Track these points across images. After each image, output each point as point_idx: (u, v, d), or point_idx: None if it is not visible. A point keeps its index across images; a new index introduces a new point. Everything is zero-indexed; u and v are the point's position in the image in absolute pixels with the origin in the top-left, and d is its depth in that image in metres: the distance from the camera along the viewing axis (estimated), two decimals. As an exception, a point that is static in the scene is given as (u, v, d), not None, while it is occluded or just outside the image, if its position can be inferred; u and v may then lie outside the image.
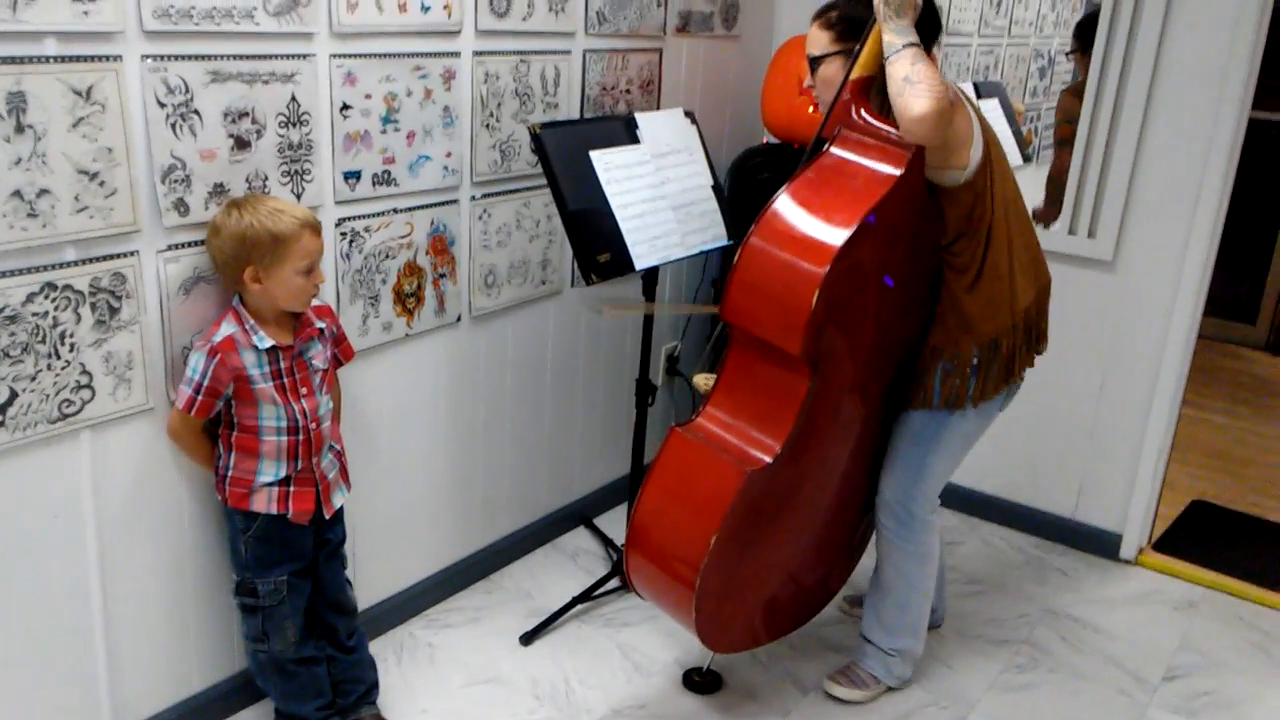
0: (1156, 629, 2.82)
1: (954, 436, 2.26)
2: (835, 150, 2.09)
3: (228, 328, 1.91)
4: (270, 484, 1.99)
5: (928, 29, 2.06)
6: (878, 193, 1.98)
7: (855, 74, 2.07)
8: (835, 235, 1.95)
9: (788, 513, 2.22)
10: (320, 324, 2.05)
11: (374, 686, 2.28)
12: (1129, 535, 3.12)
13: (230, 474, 1.98)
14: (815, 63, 2.17)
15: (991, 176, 2.10)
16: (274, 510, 2.00)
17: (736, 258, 2.07)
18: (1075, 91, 2.96)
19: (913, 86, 1.91)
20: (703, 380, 2.35)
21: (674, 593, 2.16)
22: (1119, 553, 3.14)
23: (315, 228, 1.93)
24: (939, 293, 2.18)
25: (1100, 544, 3.16)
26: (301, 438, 1.99)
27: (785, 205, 2.05)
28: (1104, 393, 3.07)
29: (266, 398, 1.94)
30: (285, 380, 1.96)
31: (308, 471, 2.03)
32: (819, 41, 2.14)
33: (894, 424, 2.30)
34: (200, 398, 1.89)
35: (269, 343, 1.93)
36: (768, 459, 2.05)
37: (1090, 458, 3.13)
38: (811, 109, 3.00)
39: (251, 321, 1.92)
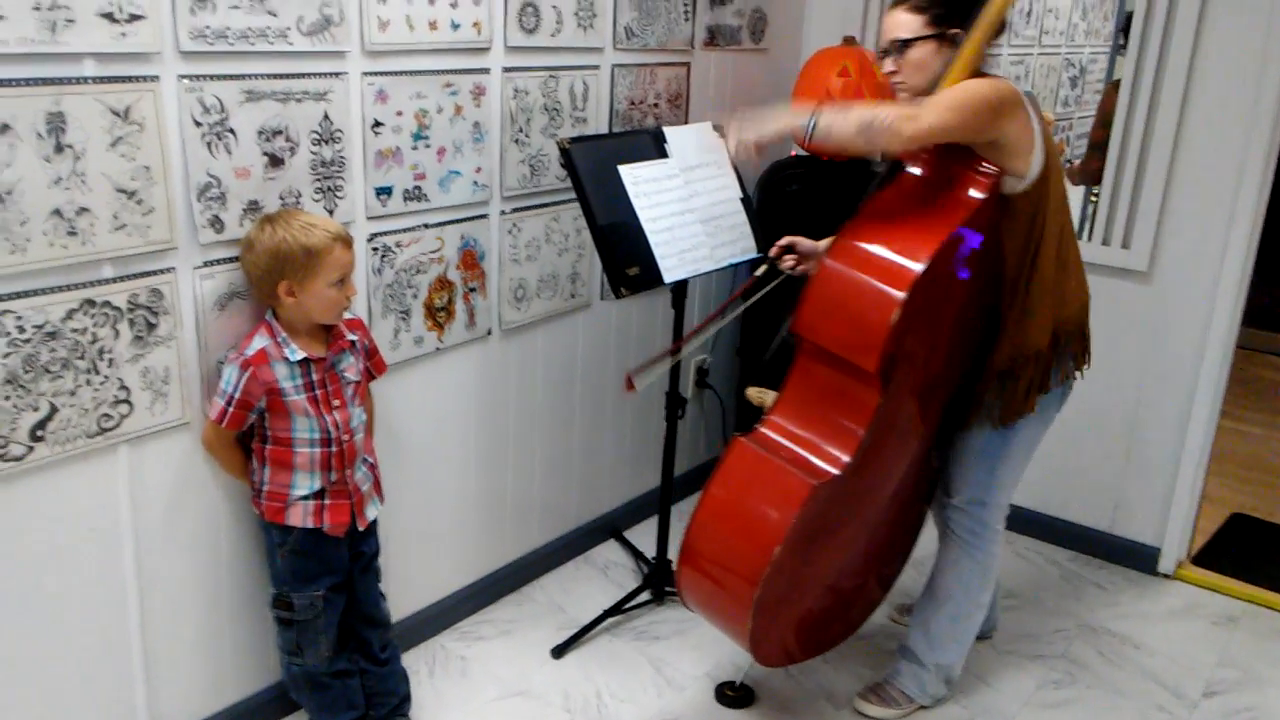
0: (1196, 644, 2.78)
1: (1016, 446, 2.26)
2: (913, 170, 2.12)
3: (260, 341, 1.94)
4: (305, 497, 2.00)
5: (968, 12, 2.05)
6: (960, 216, 2.01)
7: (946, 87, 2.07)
8: (918, 256, 1.97)
9: (846, 525, 2.21)
10: (352, 336, 2.07)
11: (406, 699, 2.29)
12: (1167, 549, 3.07)
13: (266, 488, 2.00)
14: (904, 46, 2.09)
15: (1048, 188, 2.08)
16: (309, 524, 2.01)
17: (815, 273, 2.09)
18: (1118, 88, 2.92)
19: (871, 128, 1.95)
20: (756, 393, 2.35)
21: (731, 606, 2.13)
22: (1157, 567, 3.09)
23: (346, 241, 1.95)
24: (999, 311, 2.17)
25: (1138, 558, 3.11)
26: (334, 449, 2.01)
27: (866, 224, 2.08)
28: (1140, 405, 3.03)
29: (299, 410, 1.96)
30: (317, 392, 1.98)
31: (341, 484, 2.04)
32: (910, 25, 2.08)
33: (956, 440, 2.30)
34: (232, 410, 1.91)
35: (300, 355, 1.95)
36: (836, 471, 2.04)
37: (1127, 470, 3.09)
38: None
39: (284, 334, 1.94)
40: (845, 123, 1.99)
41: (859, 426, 2.05)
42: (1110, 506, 3.14)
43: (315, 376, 1.98)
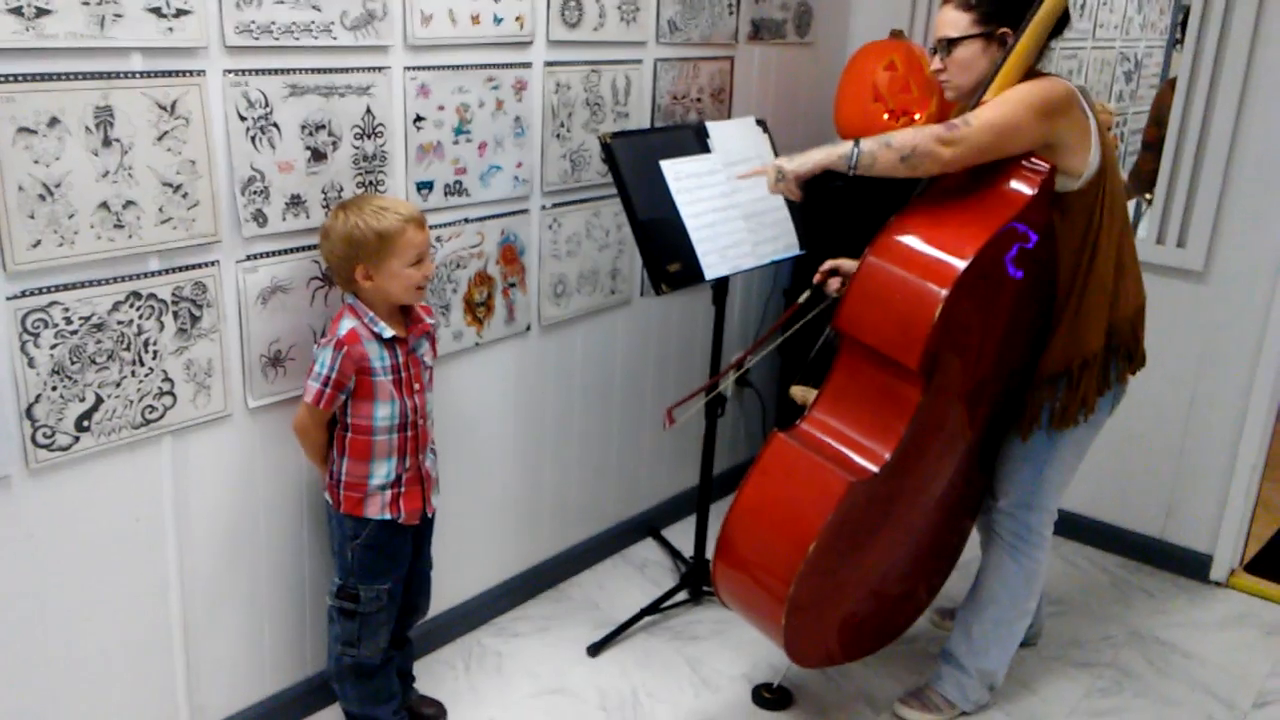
0: (1248, 654, 2.70)
1: (1065, 451, 2.22)
2: None
3: (348, 322, 1.96)
4: (383, 486, 2.02)
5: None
6: (1008, 213, 1.98)
7: (989, 96, 2.04)
8: (963, 252, 1.94)
9: (885, 527, 2.18)
10: (431, 321, 2.10)
11: (412, 677, 2.32)
12: (1220, 556, 3.00)
13: (345, 479, 2.02)
14: (951, 45, 2.09)
15: (1106, 186, 2.04)
16: (387, 515, 2.03)
17: (859, 267, 2.06)
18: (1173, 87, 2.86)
19: (915, 156, 1.96)
20: (800, 392, 2.32)
21: (765, 602, 2.11)
22: (1209, 574, 3.02)
23: (419, 221, 1.96)
24: (1051, 315, 2.13)
25: (1189, 565, 3.04)
26: (410, 434, 2.03)
27: (913, 217, 2.06)
28: (1194, 408, 2.95)
29: (384, 392, 1.98)
30: (402, 374, 2.01)
31: (415, 470, 2.07)
32: (958, 23, 2.07)
33: (1003, 444, 2.26)
34: (328, 390, 1.93)
35: (390, 333, 1.97)
36: (875, 469, 2.02)
37: (1179, 475, 3.02)
38: (886, 115, 2.96)
39: (370, 314, 1.96)
40: (888, 153, 1.99)
41: (900, 424, 2.02)
42: (1162, 512, 3.07)
43: (401, 358, 2.00)
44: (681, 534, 3.10)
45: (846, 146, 2.04)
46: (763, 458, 2.13)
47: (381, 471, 2.02)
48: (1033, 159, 2.01)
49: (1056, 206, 2.04)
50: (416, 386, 2.04)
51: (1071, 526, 3.20)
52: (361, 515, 2.03)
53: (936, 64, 2.13)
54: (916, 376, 1.98)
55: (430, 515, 2.14)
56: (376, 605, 2.07)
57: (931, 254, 1.99)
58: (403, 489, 2.05)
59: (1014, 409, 2.21)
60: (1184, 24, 2.81)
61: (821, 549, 2.01)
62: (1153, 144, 2.91)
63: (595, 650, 2.59)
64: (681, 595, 2.79)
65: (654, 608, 2.72)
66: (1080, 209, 2.04)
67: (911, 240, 2.03)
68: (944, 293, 1.92)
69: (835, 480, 2.01)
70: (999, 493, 2.29)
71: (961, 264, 1.94)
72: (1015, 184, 2.03)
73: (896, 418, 2.03)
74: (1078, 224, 2.05)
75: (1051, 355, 2.13)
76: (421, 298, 2.03)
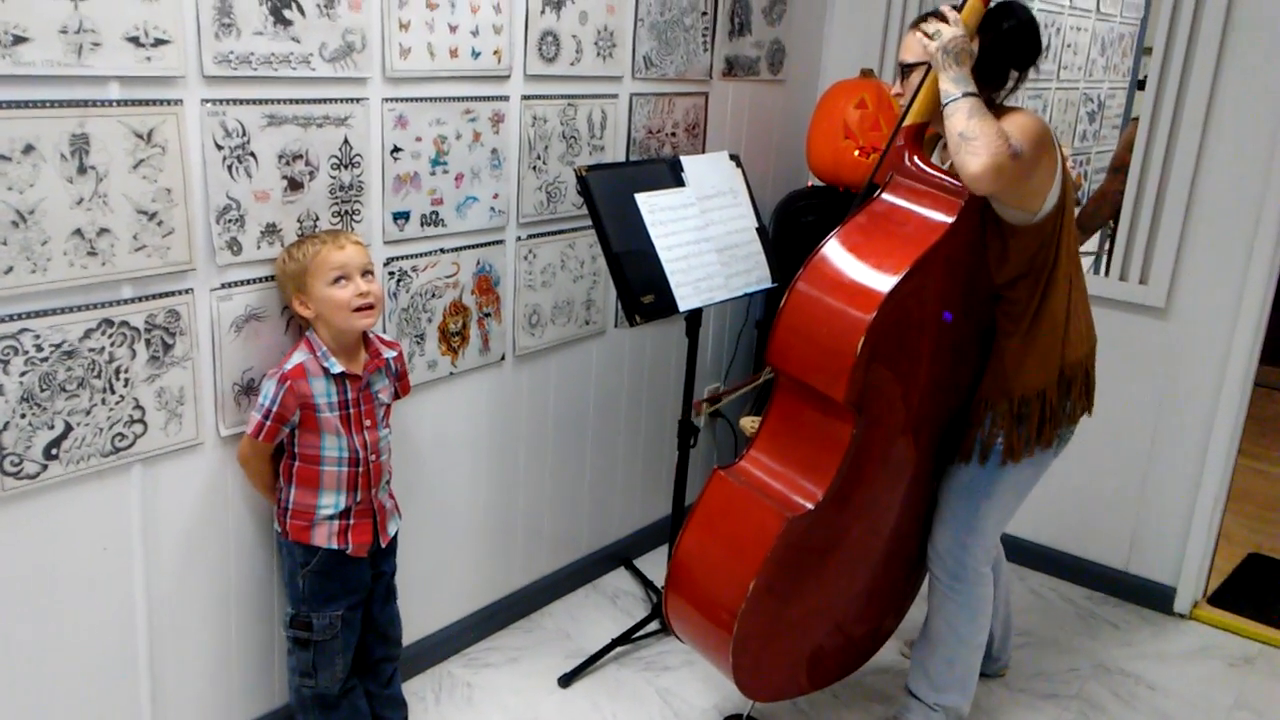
0: (1212, 686, 2.74)
1: (1005, 487, 2.21)
2: (887, 196, 2.09)
3: (299, 356, 1.96)
4: (331, 517, 2.01)
5: (1026, 51, 2.05)
6: (929, 240, 1.97)
7: (909, 120, 2.07)
8: (883, 282, 1.94)
9: (833, 560, 2.19)
10: (389, 354, 2.09)
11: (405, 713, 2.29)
12: (1183, 588, 3.04)
13: (291, 507, 2.01)
14: (907, 70, 2.12)
15: (1062, 225, 2.06)
16: (334, 544, 2.02)
17: (784, 301, 2.06)
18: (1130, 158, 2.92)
19: (969, 143, 1.87)
20: (749, 423, 2.34)
21: (712, 637, 2.13)
22: (1173, 606, 3.06)
23: (339, 242, 1.96)
24: (991, 342, 2.15)
25: (1153, 597, 3.08)
26: (361, 469, 2.02)
27: (834, 250, 2.05)
28: (1156, 442, 3.00)
29: (330, 428, 1.97)
30: (350, 411, 2.00)
31: (366, 503, 2.06)
32: (914, 49, 2.09)
33: (944, 476, 2.26)
34: (269, 423, 1.93)
35: (339, 368, 1.97)
36: (809, 505, 2.03)
37: (1143, 508, 3.06)
38: (857, 152, 3.01)
39: (324, 349, 1.97)
40: (965, 124, 1.89)
41: (834, 459, 2.03)
42: (1126, 545, 3.11)
43: (350, 395, 2.00)
44: (654, 564, 3.10)
45: (961, 88, 1.93)
46: (704, 495, 2.15)
47: (329, 502, 2.01)
48: (958, 181, 1.97)
49: (1008, 234, 2.03)
50: (367, 423, 2.02)
51: (1037, 558, 3.23)
52: (309, 543, 2.01)
53: (896, 88, 2.17)
54: (846, 410, 1.99)
55: (385, 545, 2.13)
56: (330, 633, 2.05)
57: (854, 280, 1.98)
58: (351, 521, 2.04)
59: (959, 440, 2.22)
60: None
61: (764, 584, 2.02)
62: (1122, 169, 2.95)
63: (566, 681, 2.58)
64: (653, 625, 2.79)
65: (625, 638, 2.71)
66: (1031, 242, 2.03)
67: (834, 268, 2.01)
68: (867, 319, 1.91)
69: (771, 516, 2.02)
70: (935, 533, 2.28)
71: (884, 289, 1.92)
72: (935, 211, 2.01)
73: (830, 453, 2.03)
74: (1025, 254, 2.04)
75: (992, 385, 2.13)
76: (366, 321, 1.97)
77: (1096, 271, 3.00)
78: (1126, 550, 3.11)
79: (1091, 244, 3.08)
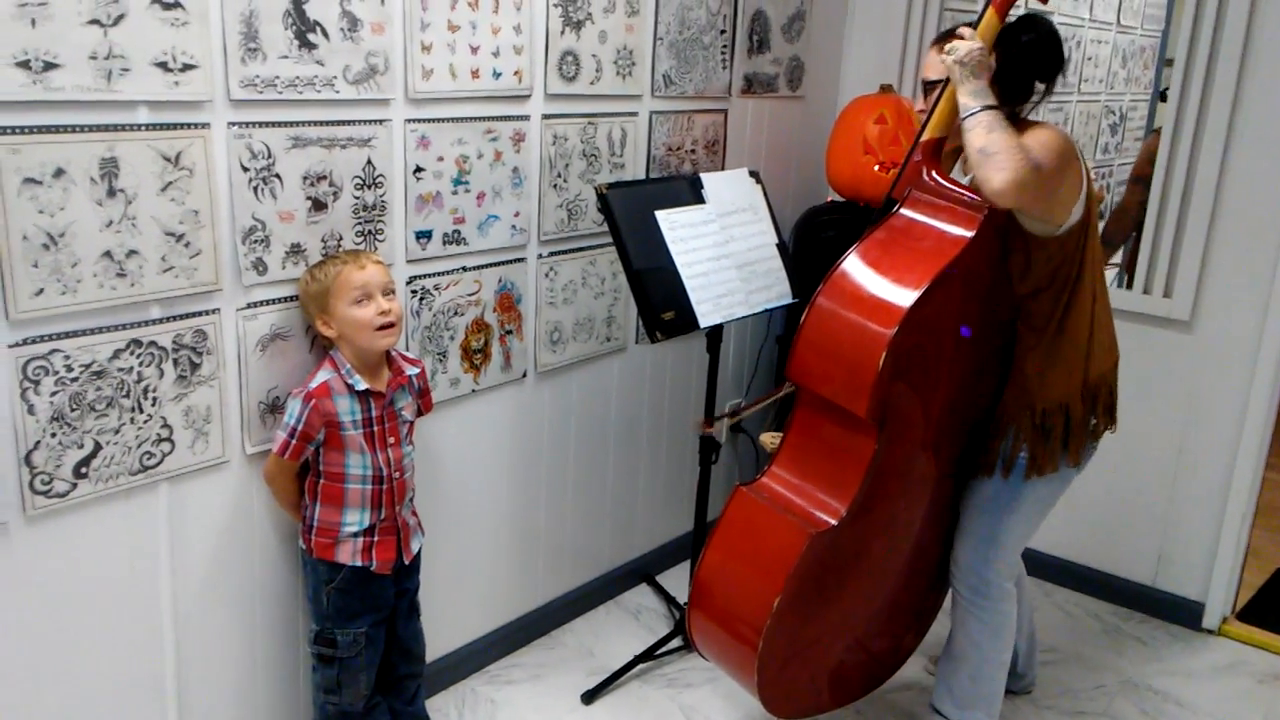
0: (1240, 702, 2.70)
1: (1027, 502, 2.19)
2: (906, 211, 2.09)
3: (324, 375, 1.98)
4: (355, 534, 2.03)
5: (1047, 64, 2.05)
6: (948, 255, 1.97)
7: (927, 135, 2.07)
8: (904, 297, 1.95)
9: (855, 576, 2.18)
10: (411, 371, 2.11)
11: None
12: (1211, 604, 3.01)
13: (316, 524, 2.02)
14: (930, 87, 2.13)
15: (1086, 238, 2.05)
16: (358, 562, 2.03)
17: (804, 317, 2.07)
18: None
19: (990, 159, 1.86)
20: (769, 438, 2.34)
21: (736, 654, 2.12)
22: (1201, 622, 3.02)
23: (360, 262, 1.98)
24: (1012, 357, 2.14)
25: (1181, 613, 3.04)
26: (385, 487, 2.03)
27: (854, 265, 2.06)
28: (1183, 456, 2.97)
29: (354, 445, 1.99)
30: (375, 429, 2.01)
31: (390, 521, 2.07)
32: (936, 67, 2.10)
33: (967, 491, 2.25)
34: (294, 441, 1.95)
35: (364, 385, 1.98)
36: (833, 521, 2.03)
37: (1170, 523, 3.03)
38: (877, 167, 3.02)
39: (348, 366, 1.99)
40: (985, 139, 1.89)
41: (856, 475, 2.02)
42: (1153, 560, 3.08)
43: (374, 413, 2.01)
44: (676, 580, 3.10)
45: (980, 100, 1.93)
46: (726, 512, 2.15)
47: (354, 519, 2.02)
48: (976, 195, 1.98)
49: (1032, 245, 2.03)
50: (391, 441, 2.04)
51: (1063, 573, 3.20)
52: (333, 560, 2.03)
53: (920, 105, 2.18)
54: (868, 425, 1.98)
55: (409, 562, 2.14)
56: (355, 649, 2.06)
57: (875, 295, 1.98)
58: (376, 538, 2.05)
59: (981, 454, 2.21)
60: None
61: (788, 601, 2.02)
62: (1142, 180, 2.93)
63: (589, 698, 2.58)
64: (676, 642, 2.78)
65: (648, 655, 2.71)
66: (1055, 253, 2.03)
67: (854, 283, 2.02)
68: (889, 334, 1.91)
69: (795, 533, 2.02)
70: (957, 549, 2.26)
71: (905, 304, 1.92)
72: (954, 225, 2.00)
73: (852, 468, 2.03)
74: (1049, 266, 2.04)
75: (1014, 398, 2.12)
76: (388, 341, 2.00)
77: (1120, 285, 2.98)
78: (1154, 565, 3.08)
79: (1114, 257, 3.07)
